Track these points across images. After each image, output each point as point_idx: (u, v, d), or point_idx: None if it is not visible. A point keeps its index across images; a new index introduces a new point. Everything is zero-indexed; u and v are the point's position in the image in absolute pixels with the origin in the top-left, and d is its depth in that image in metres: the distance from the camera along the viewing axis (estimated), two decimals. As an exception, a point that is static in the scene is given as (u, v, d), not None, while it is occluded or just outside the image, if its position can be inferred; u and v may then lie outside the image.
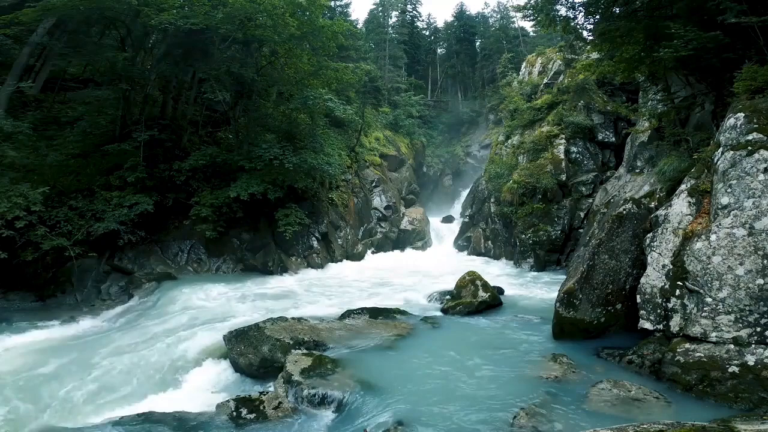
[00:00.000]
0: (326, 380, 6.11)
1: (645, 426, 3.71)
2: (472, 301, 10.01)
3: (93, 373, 7.10)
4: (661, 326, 6.40)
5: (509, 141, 20.81)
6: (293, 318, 8.57)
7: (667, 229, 6.81)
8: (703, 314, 5.89)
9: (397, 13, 44.55)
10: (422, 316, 9.51)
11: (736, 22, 7.24)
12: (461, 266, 15.49)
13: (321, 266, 16.63)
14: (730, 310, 5.70)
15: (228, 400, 5.87)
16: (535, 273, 15.42)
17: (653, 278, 6.61)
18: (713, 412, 4.92)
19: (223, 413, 5.67)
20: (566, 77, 20.74)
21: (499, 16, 46.72)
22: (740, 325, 5.61)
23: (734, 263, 5.78)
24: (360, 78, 19.63)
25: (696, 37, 7.80)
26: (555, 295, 7.95)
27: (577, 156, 17.42)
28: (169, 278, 12.74)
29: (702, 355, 5.69)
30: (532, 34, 41.94)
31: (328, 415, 5.60)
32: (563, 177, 16.82)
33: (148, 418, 5.62)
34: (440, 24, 55.05)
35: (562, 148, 17.34)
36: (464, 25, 47.52)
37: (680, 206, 6.87)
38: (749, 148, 6.09)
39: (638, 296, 6.75)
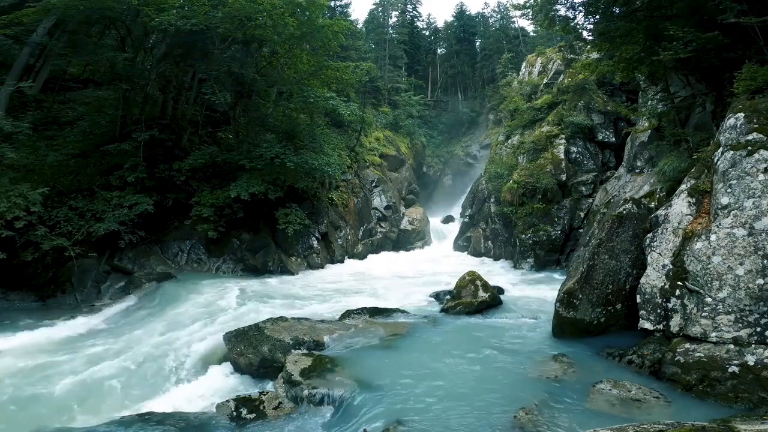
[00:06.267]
0: (326, 380, 6.11)
1: (645, 426, 3.71)
2: (472, 301, 10.01)
3: (93, 373, 7.09)
4: (661, 326, 6.40)
5: (509, 141, 20.82)
6: (293, 318, 8.58)
7: (667, 229, 6.81)
8: (703, 314, 5.89)
9: (397, 13, 44.52)
10: (422, 315, 9.52)
11: (735, 22, 7.25)
12: (461, 266, 15.51)
13: (321, 266, 16.64)
14: (730, 310, 5.70)
15: (228, 400, 5.87)
16: (535, 273, 15.41)
17: (653, 278, 6.61)
18: (713, 412, 4.92)
19: (223, 413, 5.67)
20: (566, 77, 20.76)
21: (499, 16, 46.82)
22: (740, 325, 5.61)
23: (734, 263, 5.78)
24: (360, 77, 19.63)
25: (695, 38, 7.80)
26: (555, 295, 7.95)
27: (577, 156, 17.42)
28: (169, 278, 12.74)
29: (702, 355, 5.69)
30: (532, 34, 41.98)
31: (328, 414, 5.59)
32: (563, 177, 16.82)
33: (148, 418, 5.62)
34: (440, 24, 55.21)
35: (562, 148, 17.34)
36: (464, 25, 47.56)
37: (680, 206, 6.87)
38: (749, 148, 6.09)
39: (638, 296, 6.75)
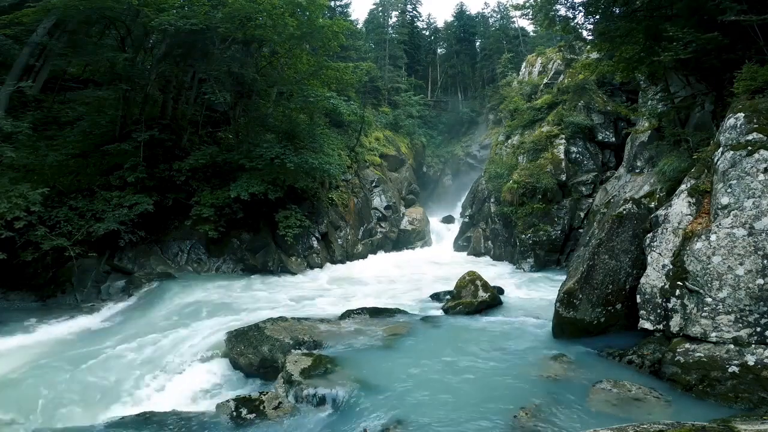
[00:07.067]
0: (326, 380, 6.11)
1: (645, 426, 3.70)
2: (472, 301, 10.01)
3: (93, 373, 7.10)
4: (661, 326, 6.40)
5: (509, 141, 20.82)
6: (293, 318, 8.58)
7: (667, 229, 6.81)
8: (703, 314, 5.89)
9: (397, 13, 44.51)
10: (422, 315, 9.52)
11: (735, 20, 7.25)
12: (461, 266, 15.50)
13: (321, 266, 16.64)
14: (730, 310, 5.70)
15: (228, 400, 5.87)
16: (535, 273, 15.41)
17: (653, 278, 6.61)
18: (713, 412, 4.92)
19: (223, 413, 5.67)
20: (566, 77, 20.75)
21: (499, 16, 46.82)
22: (740, 325, 5.61)
23: (734, 263, 5.78)
24: (360, 78, 19.63)
25: (695, 39, 7.80)
26: (555, 295, 7.95)
27: (577, 156, 17.42)
28: (169, 278, 12.74)
29: (702, 355, 5.69)
30: (532, 34, 41.98)
31: (327, 414, 5.59)
32: (563, 177, 16.82)
33: (148, 418, 5.62)
34: (440, 24, 55.22)
35: (562, 148, 17.34)
36: (464, 25, 47.56)
37: (680, 206, 6.87)
38: (749, 148, 6.09)
39: (638, 296, 6.75)
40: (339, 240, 18.87)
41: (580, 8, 11.42)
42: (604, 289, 7.42)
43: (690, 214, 6.70)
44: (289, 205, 15.66)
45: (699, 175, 7.12)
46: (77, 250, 11.41)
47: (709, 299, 5.88)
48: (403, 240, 23.25)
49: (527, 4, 12.22)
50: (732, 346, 5.58)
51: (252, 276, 14.10)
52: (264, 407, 5.69)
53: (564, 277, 9.04)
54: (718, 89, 9.18)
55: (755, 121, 6.31)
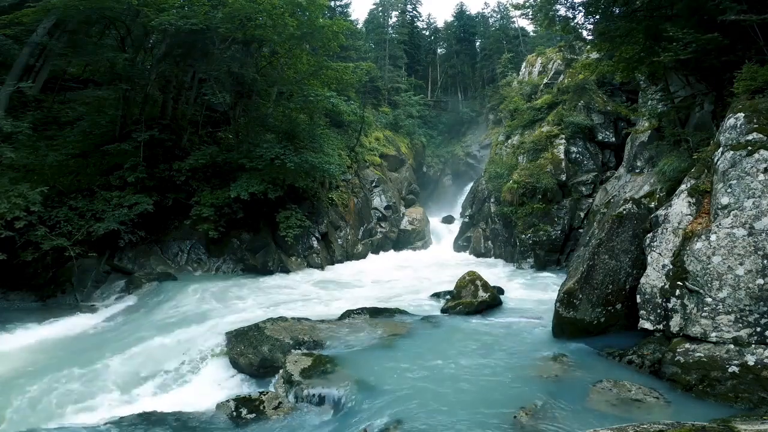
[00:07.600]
0: (326, 380, 6.11)
1: (645, 426, 3.70)
2: (472, 301, 10.01)
3: (93, 373, 7.09)
4: (661, 326, 6.40)
5: (509, 141, 20.82)
6: (293, 318, 8.58)
7: (667, 229, 6.81)
8: (703, 314, 5.89)
9: (397, 13, 44.49)
10: (422, 316, 9.51)
11: (735, 20, 7.25)
12: (461, 266, 15.51)
13: (321, 266, 16.63)
14: (730, 310, 5.70)
15: (228, 400, 5.87)
16: (535, 273, 15.41)
17: (653, 278, 6.61)
18: (713, 412, 4.91)
19: (223, 413, 5.68)
20: (566, 77, 20.76)
21: (499, 16, 46.81)
22: (740, 325, 5.61)
23: (734, 263, 5.78)
24: (360, 78, 19.64)
25: (695, 39, 7.81)
26: (555, 295, 7.95)
27: (577, 156, 17.42)
28: (169, 278, 12.74)
29: (702, 355, 5.69)
30: (532, 34, 41.98)
31: (327, 414, 5.59)
32: (563, 177, 16.82)
33: (148, 418, 5.62)
34: (440, 24, 55.24)
35: (562, 148, 17.34)
36: (464, 25, 47.55)
37: (680, 206, 6.87)
38: (749, 148, 6.09)
39: (638, 296, 6.75)
40: (339, 240, 18.87)
41: (580, 8, 11.44)
42: (604, 289, 7.42)
43: (690, 214, 6.70)
44: (289, 205, 15.67)
45: (699, 175, 7.12)
46: (77, 250, 11.40)
47: (709, 299, 5.88)
48: (403, 240, 23.25)
49: (527, 4, 12.24)
50: (732, 346, 5.58)
51: (252, 276, 14.09)
52: (264, 407, 5.70)
53: (564, 277, 9.04)
54: (718, 89, 9.18)
55: (755, 121, 6.31)
